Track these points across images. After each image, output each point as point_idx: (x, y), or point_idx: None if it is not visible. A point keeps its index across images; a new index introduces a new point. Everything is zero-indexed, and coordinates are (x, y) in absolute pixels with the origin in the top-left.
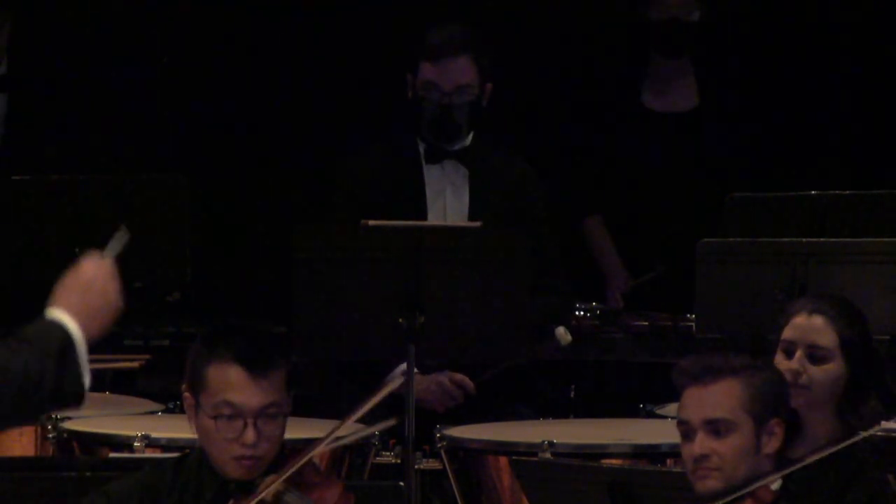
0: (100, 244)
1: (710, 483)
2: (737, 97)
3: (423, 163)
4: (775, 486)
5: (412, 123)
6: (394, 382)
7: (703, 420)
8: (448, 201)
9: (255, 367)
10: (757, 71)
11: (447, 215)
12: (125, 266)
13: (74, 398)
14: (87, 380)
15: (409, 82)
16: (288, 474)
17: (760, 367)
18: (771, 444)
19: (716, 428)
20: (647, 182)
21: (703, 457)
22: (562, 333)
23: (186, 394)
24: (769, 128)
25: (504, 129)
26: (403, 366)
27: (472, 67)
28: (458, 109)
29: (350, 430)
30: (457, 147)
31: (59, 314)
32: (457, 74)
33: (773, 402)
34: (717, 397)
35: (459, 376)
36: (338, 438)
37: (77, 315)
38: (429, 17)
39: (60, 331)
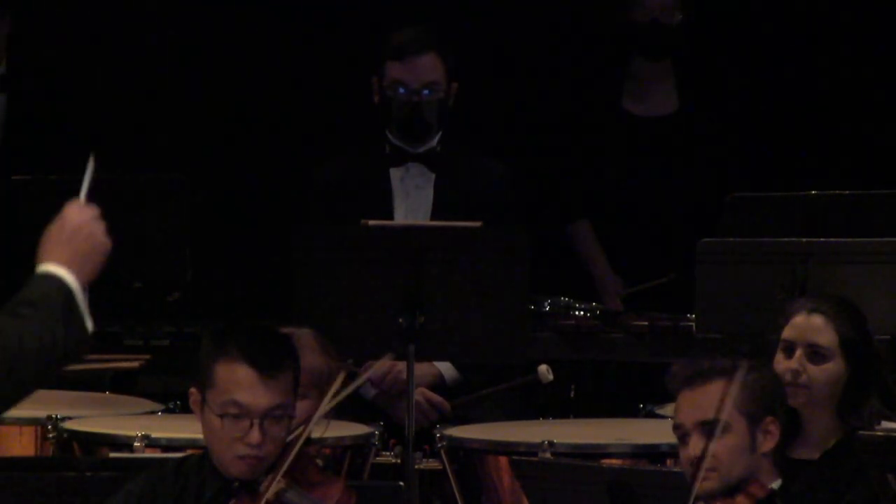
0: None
1: (708, 484)
2: (718, 100)
3: (389, 166)
4: (774, 484)
5: (380, 127)
6: (361, 377)
7: (697, 422)
8: (412, 203)
9: (265, 367)
10: (739, 73)
11: (409, 217)
12: (125, 266)
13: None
14: (90, 325)
15: (375, 86)
16: (283, 469)
17: (752, 367)
18: (766, 443)
19: (710, 429)
20: (632, 186)
21: (699, 458)
22: (544, 372)
23: (193, 389)
24: (764, 128)
25: (486, 133)
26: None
27: (439, 65)
28: (427, 107)
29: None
30: (422, 149)
31: (52, 268)
32: (424, 72)
33: (767, 401)
34: (710, 399)
35: (438, 398)
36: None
37: (69, 264)
38: (405, 18)
39: (59, 286)
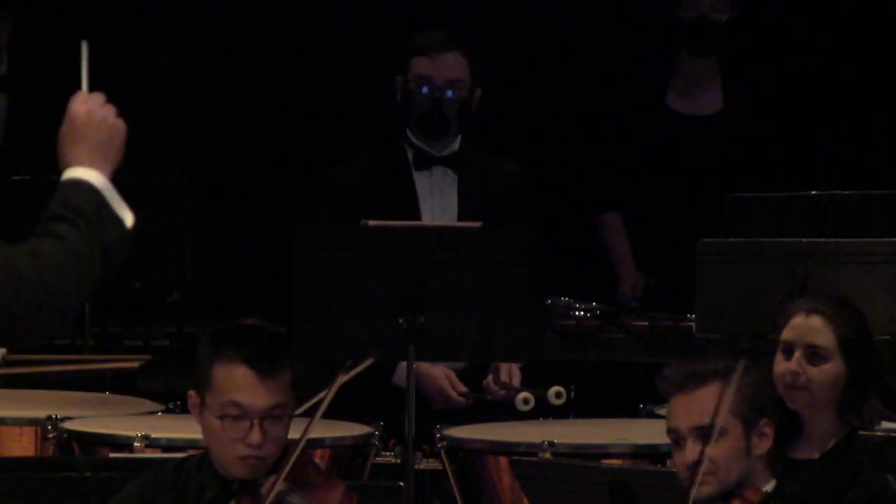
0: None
1: (705, 489)
2: (761, 99)
3: (413, 170)
4: (768, 487)
5: (401, 128)
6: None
7: (692, 427)
8: (437, 207)
9: (263, 368)
10: (784, 72)
11: (436, 221)
12: (125, 266)
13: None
14: (128, 219)
15: (399, 84)
16: (286, 471)
17: (745, 369)
18: (762, 445)
19: (706, 434)
20: (660, 182)
21: (696, 463)
22: (552, 395)
23: (191, 392)
24: (779, 128)
25: (525, 125)
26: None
27: (464, 64)
28: (449, 105)
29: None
30: (445, 152)
31: (75, 172)
32: (449, 68)
33: (761, 403)
34: (704, 403)
35: (462, 387)
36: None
37: (91, 161)
38: (409, 20)
39: (87, 190)
